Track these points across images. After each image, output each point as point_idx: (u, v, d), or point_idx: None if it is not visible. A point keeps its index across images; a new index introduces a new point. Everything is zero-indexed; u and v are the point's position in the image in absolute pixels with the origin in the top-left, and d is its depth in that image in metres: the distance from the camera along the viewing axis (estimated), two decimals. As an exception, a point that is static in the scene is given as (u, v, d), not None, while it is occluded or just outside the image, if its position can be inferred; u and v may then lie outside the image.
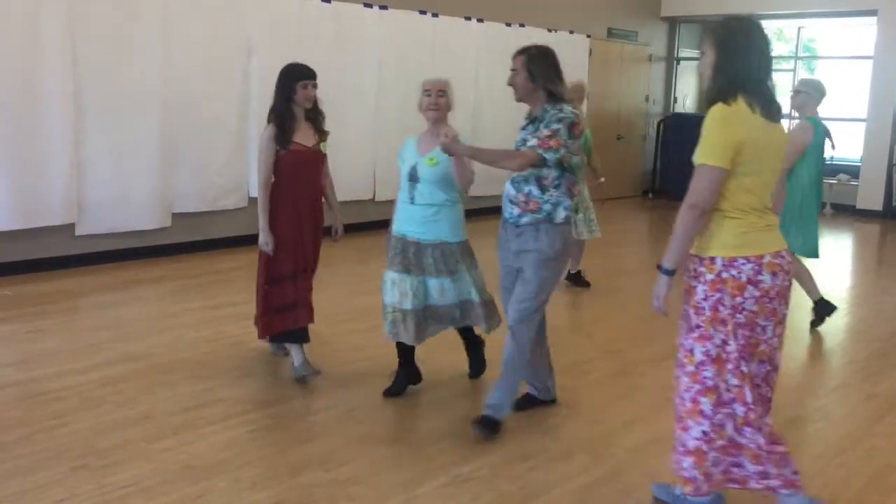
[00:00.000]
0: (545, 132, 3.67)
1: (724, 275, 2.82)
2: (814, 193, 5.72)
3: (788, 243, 3.05)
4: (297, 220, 4.40)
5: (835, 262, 9.49)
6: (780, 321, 2.92)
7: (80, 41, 6.77)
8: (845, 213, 12.11)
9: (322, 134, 4.48)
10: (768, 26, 11.77)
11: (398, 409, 4.18)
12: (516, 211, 3.78)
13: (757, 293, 2.81)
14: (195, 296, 6.36)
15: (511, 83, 3.91)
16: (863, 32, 12.68)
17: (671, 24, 13.91)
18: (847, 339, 5.88)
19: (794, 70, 14.13)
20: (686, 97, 14.66)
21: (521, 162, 3.69)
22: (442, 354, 4.93)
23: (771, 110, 2.85)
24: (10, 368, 4.59)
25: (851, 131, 12.68)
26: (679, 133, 12.93)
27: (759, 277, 2.81)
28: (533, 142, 3.69)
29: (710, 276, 2.84)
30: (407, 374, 4.33)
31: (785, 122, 3.66)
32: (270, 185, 4.40)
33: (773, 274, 2.82)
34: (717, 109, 2.82)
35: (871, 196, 11.93)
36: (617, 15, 12.70)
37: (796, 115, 5.95)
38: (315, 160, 4.45)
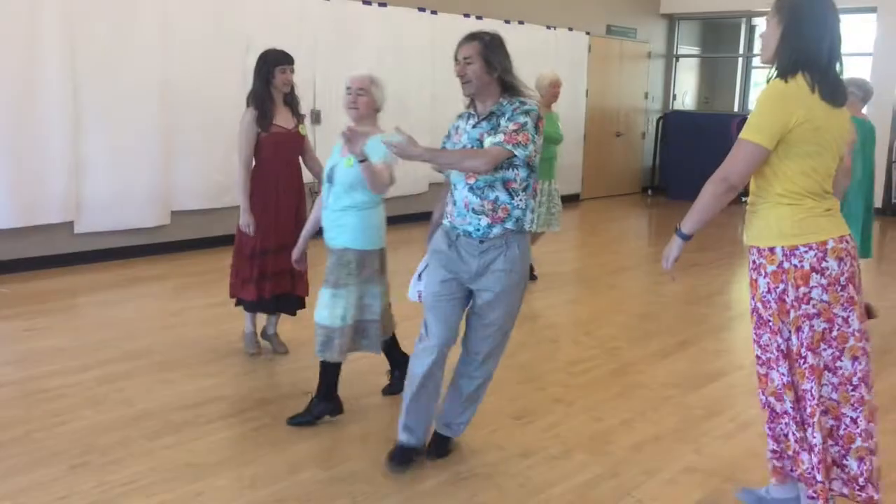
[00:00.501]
0: (511, 126, 3.15)
1: (787, 265, 2.69)
2: (859, 194, 5.65)
3: None
4: (276, 200, 4.53)
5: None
6: (861, 310, 2.76)
7: (79, 38, 6.77)
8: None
9: (300, 117, 4.65)
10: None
11: (398, 407, 4.18)
12: (484, 221, 3.20)
13: (824, 281, 2.67)
14: (196, 293, 6.36)
15: (462, 74, 3.28)
16: (862, 29, 12.66)
17: (670, 21, 13.90)
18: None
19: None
20: (685, 94, 14.65)
21: (488, 160, 3.13)
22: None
23: (836, 95, 2.68)
24: (10, 367, 4.59)
25: (851, 128, 12.68)
26: (678, 130, 12.93)
27: (825, 264, 2.67)
28: (497, 137, 3.16)
29: (771, 268, 2.72)
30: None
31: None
32: (251, 167, 4.55)
33: (840, 259, 2.68)
34: (774, 85, 2.66)
35: (870, 193, 11.92)
36: (616, 12, 12.69)
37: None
38: (295, 142, 4.61)
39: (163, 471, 3.39)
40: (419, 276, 3.54)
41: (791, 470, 2.92)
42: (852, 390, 2.78)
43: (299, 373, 4.59)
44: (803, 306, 2.70)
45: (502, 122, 3.21)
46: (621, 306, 6.39)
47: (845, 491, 2.85)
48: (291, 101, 4.64)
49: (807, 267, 2.67)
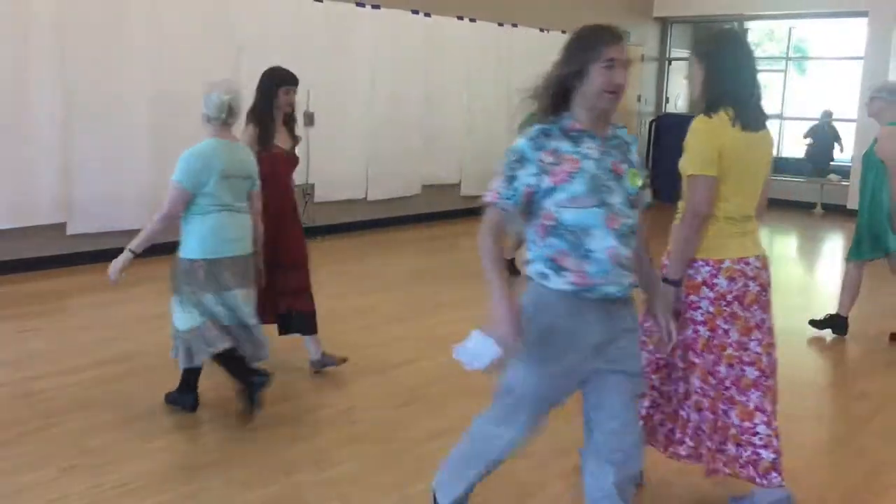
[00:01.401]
0: (641, 167, 2.70)
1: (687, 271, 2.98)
2: None
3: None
4: (276, 222, 4.39)
5: (825, 262, 9.54)
6: (751, 328, 2.98)
7: (69, 40, 6.75)
8: (836, 213, 12.16)
9: (295, 138, 4.61)
10: (759, 27, 11.94)
11: (391, 409, 4.18)
12: (628, 280, 2.53)
13: (712, 295, 2.94)
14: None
15: (620, 84, 2.53)
16: (853, 33, 12.73)
17: (663, 25, 13.95)
18: (838, 338, 5.90)
19: (784, 70, 14.17)
20: (678, 97, 14.70)
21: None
22: (432, 357, 4.94)
23: (757, 120, 2.98)
24: (2, 368, 4.57)
25: (842, 132, 12.75)
26: (671, 133, 12.95)
27: (715, 281, 2.94)
28: (646, 191, 2.75)
29: None
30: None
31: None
32: None
33: (731, 279, 2.94)
34: (698, 122, 2.95)
35: (861, 196, 11.98)
36: (609, 15, 12.69)
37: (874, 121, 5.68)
38: (291, 162, 4.58)
39: (156, 472, 3.38)
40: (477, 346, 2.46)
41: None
42: (725, 391, 3.02)
43: (291, 374, 4.58)
44: (690, 312, 2.98)
45: (632, 156, 2.66)
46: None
47: (727, 470, 3.08)
48: (290, 122, 4.58)
49: (699, 279, 2.95)
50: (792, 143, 14.00)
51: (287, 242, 4.47)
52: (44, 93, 6.64)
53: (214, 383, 4.43)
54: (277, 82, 4.45)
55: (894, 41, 11.56)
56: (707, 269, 2.95)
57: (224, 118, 3.86)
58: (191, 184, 3.83)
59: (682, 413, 3.17)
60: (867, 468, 3.66)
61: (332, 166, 8.81)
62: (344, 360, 4.61)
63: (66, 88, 6.77)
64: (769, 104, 12.83)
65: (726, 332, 2.97)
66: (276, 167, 4.41)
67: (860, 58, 11.94)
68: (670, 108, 14.32)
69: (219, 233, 3.84)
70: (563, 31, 11.71)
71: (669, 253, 3.05)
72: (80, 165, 6.92)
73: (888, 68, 11.57)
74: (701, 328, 2.98)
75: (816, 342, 5.74)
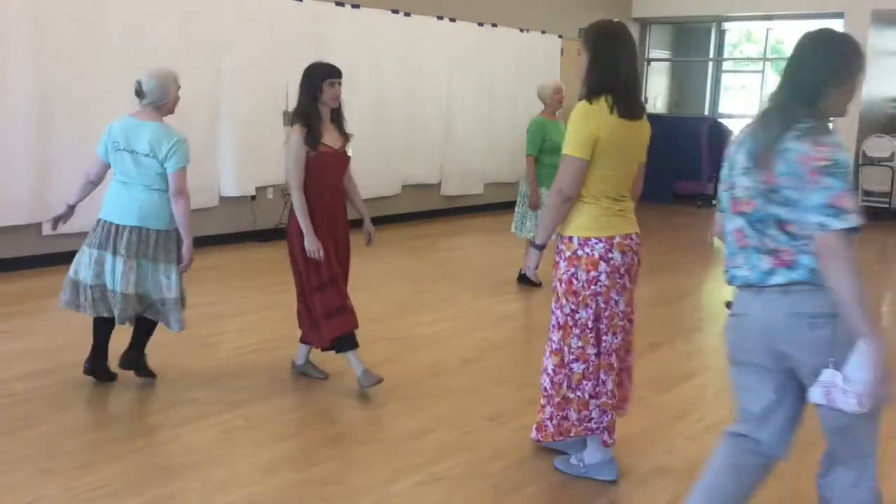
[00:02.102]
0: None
1: (580, 252, 3.21)
2: None
3: None
4: (331, 225, 4.23)
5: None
6: (630, 296, 3.33)
7: (46, 37, 6.68)
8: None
9: (346, 136, 4.33)
10: (737, 27, 12.03)
11: (370, 409, 4.17)
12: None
13: (608, 269, 3.20)
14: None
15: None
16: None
17: (642, 25, 14.01)
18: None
19: (762, 71, 14.29)
20: (657, 97, 14.78)
21: None
22: (411, 357, 4.94)
23: (633, 111, 3.22)
24: (-24, 370, 4.52)
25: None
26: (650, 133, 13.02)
27: (610, 255, 3.20)
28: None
29: (568, 253, 3.24)
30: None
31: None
32: (302, 188, 4.15)
33: (623, 253, 3.22)
34: (580, 106, 3.19)
35: (837, 196, 12.11)
36: (588, 15, 12.68)
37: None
38: (341, 163, 4.30)
39: (132, 475, 3.35)
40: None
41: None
42: (608, 358, 3.31)
43: (271, 374, 4.56)
44: (592, 287, 3.21)
45: None
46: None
47: (582, 431, 3.42)
48: (338, 119, 4.28)
49: (596, 255, 3.20)
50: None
51: (336, 251, 4.28)
52: (19, 91, 6.56)
53: (193, 383, 4.40)
54: (320, 76, 4.16)
55: (869, 42, 11.69)
56: (601, 245, 3.20)
57: (138, 98, 4.36)
58: (99, 151, 4.36)
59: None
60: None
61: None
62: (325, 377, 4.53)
63: (42, 87, 6.70)
64: (747, 105, 12.91)
65: (616, 303, 3.26)
66: (324, 169, 4.17)
67: (836, 59, 12.04)
68: (650, 108, 14.35)
69: (109, 200, 4.28)
70: (543, 32, 11.78)
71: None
72: (56, 166, 6.85)
73: (864, 69, 11.69)
74: (596, 300, 3.24)
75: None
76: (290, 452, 3.63)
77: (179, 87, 4.53)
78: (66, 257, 6.97)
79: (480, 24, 10.63)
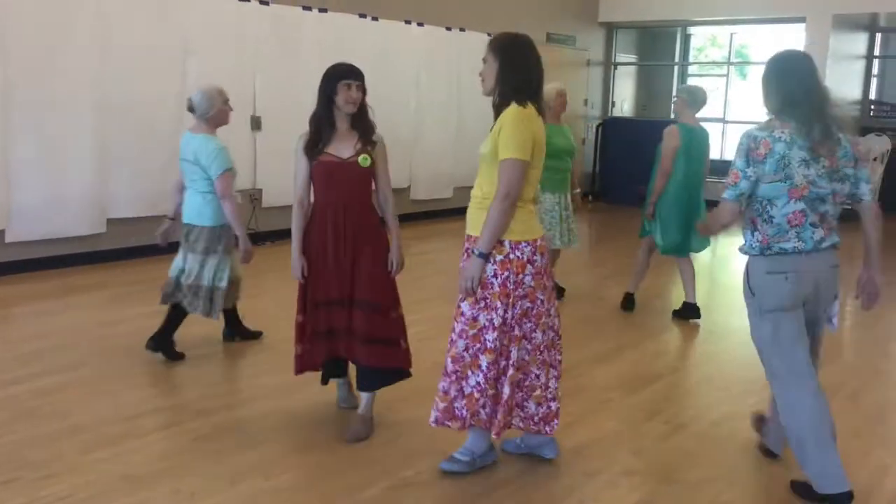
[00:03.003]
0: None
1: (512, 256, 3.28)
2: (680, 194, 5.93)
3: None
4: (332, 242, 3.78)
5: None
6: (551, 294, 3.45)
7: (10, 38, 6.59)
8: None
9: (368, 144, 3.81)
10: (702, 32, 12.22)
11: (341, 416, 4.16)
12: None
13: (533, 270, 3.31)
14: (133, 302, 6.23)
15: None
16: (792, 39, 13.05)
17: (608, 30, 14.14)
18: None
19: (727, 75, 14.48)
20: (624, 101, 14.91)
21: None
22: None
23: (544, 113, 3.43)
24: (-62, 380, 4.44)
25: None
26: (617, 136, 13.14)
27: (535, 258, 3.31)
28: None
29: (499, 257, 3.28)
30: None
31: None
32: (303, 200, 3.86)
33: (542, 255, 3.36)
34: (517, 110, 3.24)
35: (801, 198, 12.29)
36: (555, 20, 12.85)
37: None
38: (350, 174, 3.76)
39: (99, 484, 3.32)
40: None
41: (471, 419, 3.42)
42: (539, 354, 3.44)
43: (239, 382, 4.54)
44: (519, 289, 3.31)
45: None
46: (563, 311, 6.43)
47: (521, 425, 3.52)
48: (359, 125, 3.83)
49: (524, 258, 3.29)
50: (734, 147, 14.30)
51: (342, 274, 3.80)
52: (-20, 96, 6.48)
53: (161, 391, 4.36)
54: (338, 76, 3.79)
55: (831, 46, 11.89)
56: (528, 248, 3.30)
57: (190, 113, 4.80)
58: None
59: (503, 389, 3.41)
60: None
61: (279, 171, 8.73)
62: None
63: (6, 89, 6.60)
64: (713, 108, 12.99)
65: (542, 301, 3.38)
66: (328, 181, 3.77)
67: (799, 63, 12.22)
68: (616, 112, 14.51)
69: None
70: (511, 36, 11.83)
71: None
72: (20, 171, 6.76)
73: (825, 72, 11.89)
74: (524, 301, 3.32)
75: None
76: (258, 460, 3.61)
77: (227, 100, 4.84)
78: (31, 265, 6.91)
79: (448, 29, 10.66)
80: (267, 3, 8.49)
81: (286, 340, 5.25)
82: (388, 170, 3.92)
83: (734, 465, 3.74)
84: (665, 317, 6.36)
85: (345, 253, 3.77)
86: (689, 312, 6.16)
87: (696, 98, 6.05)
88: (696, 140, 6.02)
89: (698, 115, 6.06)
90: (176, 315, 4.86)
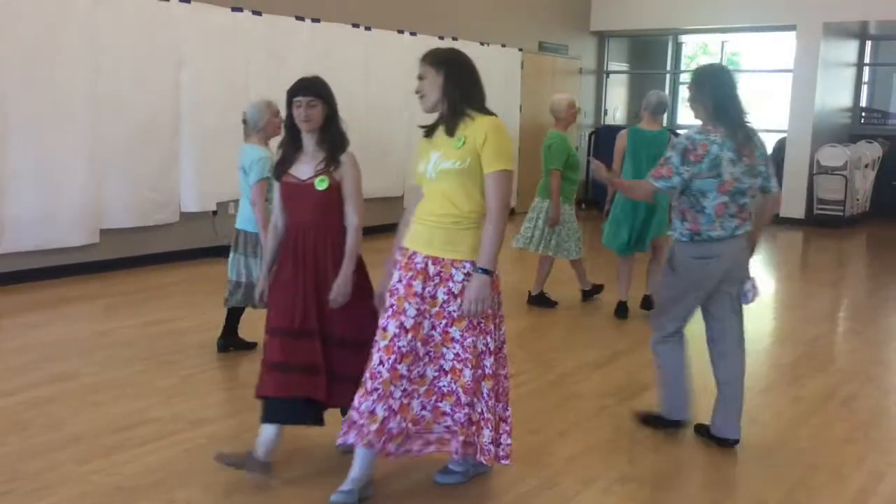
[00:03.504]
0: None
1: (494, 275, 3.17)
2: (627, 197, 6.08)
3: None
4: (291, 267, 3.53)
5: (760, 268, 9.78)
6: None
7: (2, 49, 6.58)
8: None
9: (330, 164, 3.50)
10: (693, 40, 12.31)
11: (335, 424, 4.15)
12: None
13: (497, 288, 3.25)
14: (126, 313, 6.22)
15: None
16: (783, 46, 13.13)
17: (600, 38, 14.19)
18: (773, 343, 6.06)
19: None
20: (616, 109, 14.95)
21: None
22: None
23: None
24: (-70, 392, 4.42)
25: (771, 142, 13.11)
26: (610, 144, 13.03)
27: (497, 273, 3.21)
28: None
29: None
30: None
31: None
32: (269, 221, 3.77)
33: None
34: (496, 120, 3.17)
35: (793, 205, 12.34)
36: (548, 29, 12.90)
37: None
38: (307, 197, 3.51)
39: (93, 496, 3.30)
40: None
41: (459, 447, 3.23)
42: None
43: (233, 392, 4.53)
44: (500, 309, 3.32)
45: None
46: (557, 319, 6.47)
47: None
48: (324, 144, 3.53)
49: (499, 276, 3.24)
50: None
51: (306, 302, 3.49)
52: (-28, 106, 6.46)
53: (155, 402, 4.35)
54: (290, 93, 3.59)
55: (821, 53, 11.96)
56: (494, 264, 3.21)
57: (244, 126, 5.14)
58: None
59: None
60: (803, 470, 3.76)
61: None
62: None
63: (-3, 102, 6.60)
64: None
65: (502, 318, 3.34)
66: (287, 202, 3.59)
67: (789, 70, 12.31)
68: (609, 120, 14.55)
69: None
70: (504, 45, 11.87)
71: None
72: (12, 181, 6.74)
73: (816, 80, 11.97)
74: (502, 323, 3.34)
75: (751, 347, 5.88)
76: (254, 470, 3.59)
77: (277, 112, 4.92)
78: (23, 276, 6.89)
79: (441, 38, 10.68)
80: (260, 13, 8.50)
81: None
82: (357, 190, 3.56)
83: (730, 472, 3.75)
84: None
85: (304, 279, 3.47)
86: (622, 311, 6.42)
87: (649, 103, 6.36)
88: (644, 142, 6.27)
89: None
90: (233, 314, 5.22)
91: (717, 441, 3.94)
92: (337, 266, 3.48)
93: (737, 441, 3.93)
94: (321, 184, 3.48)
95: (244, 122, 5.13)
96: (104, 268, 7.46)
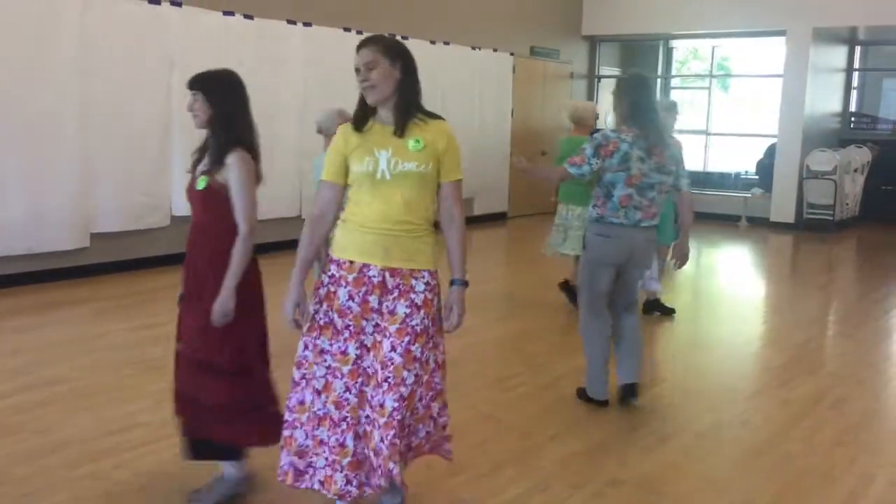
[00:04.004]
0: None
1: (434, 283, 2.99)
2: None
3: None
4: (183, 274, 3.34)
5: (750, 272, 9.81)
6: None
7: (-8, 55, 6.56)
8: (760, 225, 12.55)
9: (211, 166, 3.27)
10: (684, 45, 12.40)
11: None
12: None
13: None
14: (116, 317, 6.20)
15: None
16: (773, 52, 13.19)
17: (591, 43, 14.24)
18: (763, 346, 6.08)
19: (709, 87, 14.60)
20: (607, 113, 14.94)
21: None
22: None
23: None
24: (-81, 397, 4.40)
25: (762, 146, 13.17)
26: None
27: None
28: None
29: (436, 288, 2.99)
30: None
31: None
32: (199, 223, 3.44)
33: None
34: (450, 126, 2.99)
35: (783, 209, 12.40)
36: (539, 33, 12.94)
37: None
38: (192, 198, 3.34)
39: (84, 501, 3.29)
40: None
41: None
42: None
43: (225, 396, 4.51)
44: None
45: None
46: (549, 322, 6.47)
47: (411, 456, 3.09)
48: (210, 142, 3.33)
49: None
50: (716, 158, 14.41)
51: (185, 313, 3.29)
52: (-37, 111, 6.44)
53: (146, 406, 4.34)
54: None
55: (811, 59, 12.03)
56: None
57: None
58: None
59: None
60: (792, 473, 3.77)
61: (264, 184, 8.71)
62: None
63: (-13, 106, 6.57)
64: (694, 120, 13.11)
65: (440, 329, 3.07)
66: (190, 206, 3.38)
67: (779, 75, 12.37)
68: (600, 125, 14.55)
69: None
70: (495, 50, 11.90)
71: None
72: (2, 183, 6.71)
73: (805, 84, 12.03)
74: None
75: (742, 351, 5.91)
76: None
77: (347, 120, 4.78)
78: (13, 280, 6.86)
79: (433, 42, 10.70)
80: (251, 17, 8.50)
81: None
82: (242, 194, 3.22)
83: (720, 476, 3.75)
84: (650, 328, 6.39)
85: (186, 287, 3.26)
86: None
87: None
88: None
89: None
90: None
91: (621, 389, 4.50)
92: (218, 276, 3.12)
93: (635, 384, 4.52)
94: (200, 184, 3.25)
95: (319, 131, 5.37)
96: (94, 272, 7.43)
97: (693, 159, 13.69)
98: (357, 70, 3.02)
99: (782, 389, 5.00)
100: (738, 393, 4.98)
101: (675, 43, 15.17)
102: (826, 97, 13.01)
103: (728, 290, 8.53)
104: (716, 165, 14.29)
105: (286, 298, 2.95)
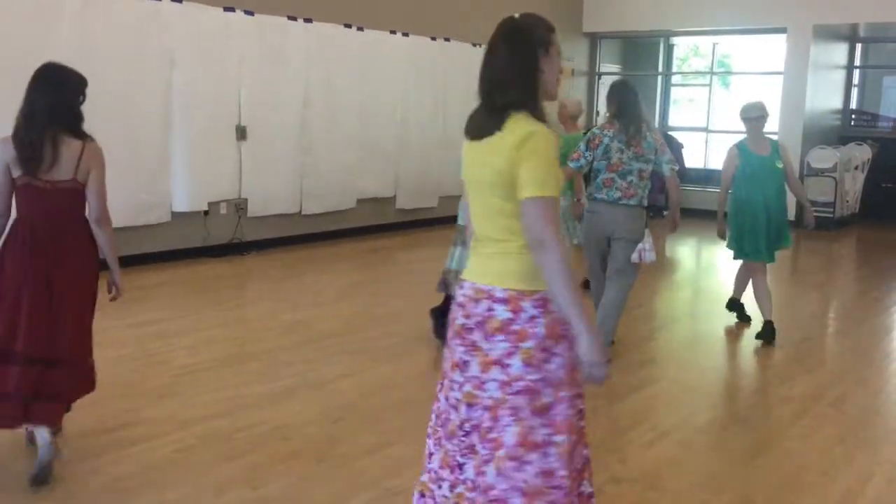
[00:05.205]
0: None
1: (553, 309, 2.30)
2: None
3: None
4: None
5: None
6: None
7: (-8, 51, 6.55)
8: (760, 222, 12.52)
9: (80, 166, 3.98)
10: (685, 42, 12.36)
11: (326, 425, 4.15)
12: None
13: None
14: (114, 314, 6.16)
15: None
16: (773, 49, 13.17)
17: (592, 40, 14.22)
18: (763, 344, 6.08)
19: (709, 85, 14.58)
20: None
21: None
22: (368, 371, 4.94)
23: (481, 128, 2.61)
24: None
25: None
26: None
27: None
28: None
29: (549, 317, 2.31)
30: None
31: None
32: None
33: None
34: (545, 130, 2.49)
35: (784, 206, 12.39)
36: (540, 30, 12.91)
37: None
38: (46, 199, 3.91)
39: (82, 497, 3.30)
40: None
41: None
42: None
43: (222, 392, 4.52)
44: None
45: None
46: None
47: None
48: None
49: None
50: (717, 156, 14.40)
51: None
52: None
53: (143, 402, 4.34)
54: None
55: (811, 56, 12.02)
56: None
57: None
58: None
59: None
60: (791, 470, 3.78)
61: (265, 181, 8.73)
62: None
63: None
64: (695, 117, 13.06)
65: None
66: None
67: (780, 73, 12.36)
68: (600, 122, 14.57)
69: None
70: (495, 46, 11.88)
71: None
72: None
73: (806, 82, 12.02)
74: None
75: (742, 348, 5.91)
76: (243, 471, 3.59)
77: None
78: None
79: (433, 39, 10.69)
80: (252, 13, 8.49)
81: (269, 351, 5.26)
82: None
83: (719, 472, 3.76)
84: (647, 325, 6.40)
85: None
86: (768, 334, 5.92)
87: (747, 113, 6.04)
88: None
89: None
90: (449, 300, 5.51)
91: None
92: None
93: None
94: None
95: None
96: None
97: (693, 156, 13.68)
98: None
99: (781, 387, 5.01)
100: (738, 390, 4.99)
101: (675, 40, 15.14)
102: (826, 94, 12.99)
103: (728, 287, 8.51)
104: (716, 163, 14.25)
105: (595, 346, 2.25)
